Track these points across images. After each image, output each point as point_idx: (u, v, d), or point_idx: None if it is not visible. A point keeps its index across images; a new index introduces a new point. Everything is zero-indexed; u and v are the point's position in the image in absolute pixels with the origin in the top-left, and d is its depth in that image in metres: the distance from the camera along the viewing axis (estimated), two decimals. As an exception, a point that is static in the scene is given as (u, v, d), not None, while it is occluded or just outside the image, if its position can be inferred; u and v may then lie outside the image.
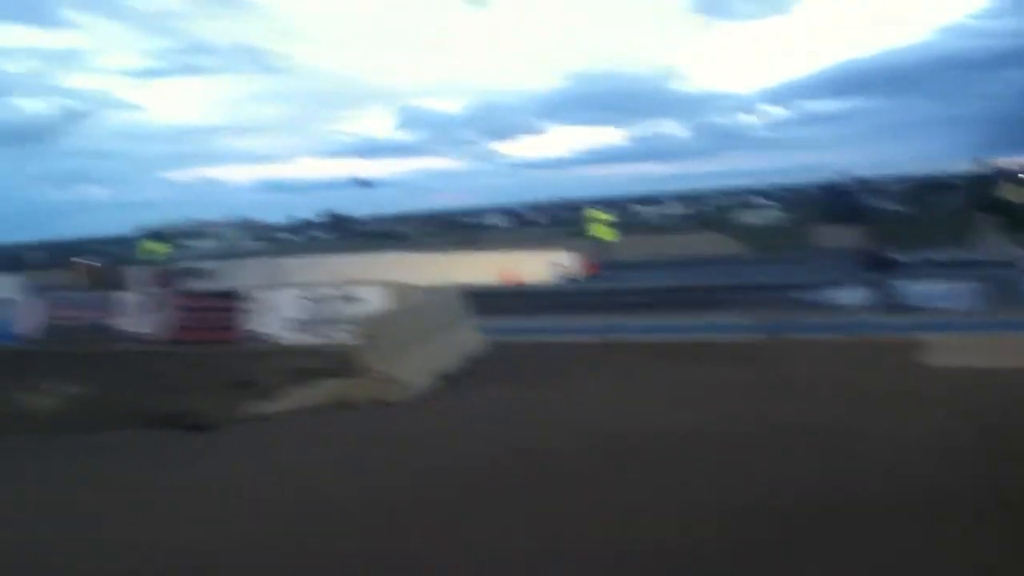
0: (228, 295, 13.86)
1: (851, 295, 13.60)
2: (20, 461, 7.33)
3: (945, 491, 4.89)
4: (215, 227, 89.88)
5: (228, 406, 8.50)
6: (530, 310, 15.48)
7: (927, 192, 45.93)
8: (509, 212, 79.64)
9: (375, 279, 14.19)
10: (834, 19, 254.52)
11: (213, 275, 25.08)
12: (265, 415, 8.24)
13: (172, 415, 8.16)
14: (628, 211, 53.63)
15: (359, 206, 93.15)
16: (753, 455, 5.87)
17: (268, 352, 11.69)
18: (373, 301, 11.75)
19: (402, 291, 12.26)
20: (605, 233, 25.64)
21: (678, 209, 62.07)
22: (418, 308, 10.92)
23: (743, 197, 66.37)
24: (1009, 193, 24.55)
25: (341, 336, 11.66)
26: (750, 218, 44.42)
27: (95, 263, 41.19)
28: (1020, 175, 28.92)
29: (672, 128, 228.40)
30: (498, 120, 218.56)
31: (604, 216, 26.30)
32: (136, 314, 13.87)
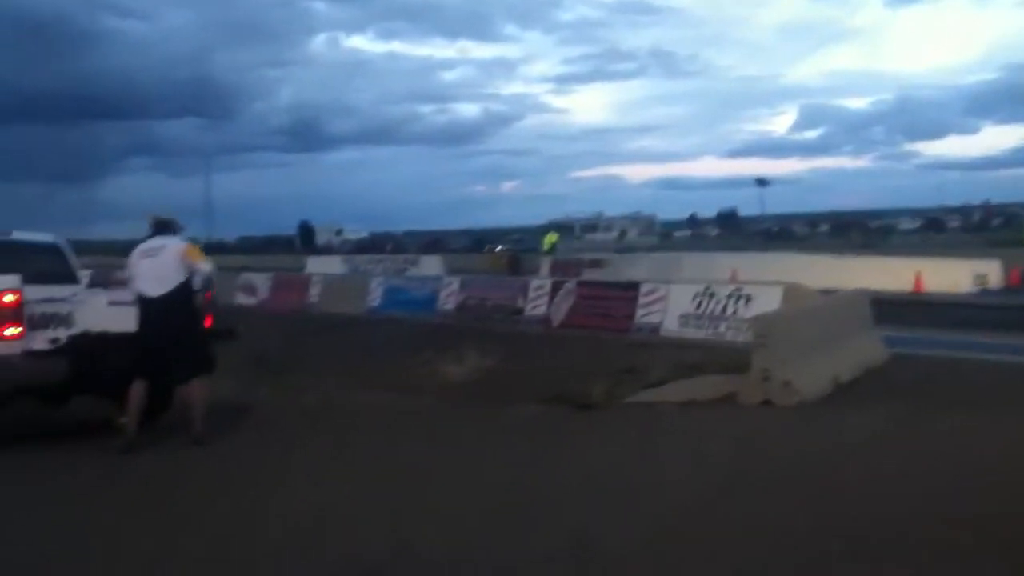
0: (627, 287, 14.37)
1: None
2: (432, 424, 8.30)
3: None
4: (615, 222, 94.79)
5: (617, 391, 8.75)
6: (942, 323, 14.03)
7: None
8: (922, 215, 72.99)
9: (771, 279, 13.73)
10: None
11: (612, 267, 26.34)
12: (652, 403, 8.31)
13: (566, 394, 8.64)
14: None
15: (756, 205, 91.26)
16: None
17: (660, 343, 11.86)
18: (769, 301, 11.30)
19: (800, 292, 11.67)
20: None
21: None
22: (816, 311, 10.26)
23: None
24: None
25: (734, 334, 11.48)
26: None
27: (508, 250, 46.05)
28: None
29: None
30: (914, 117, 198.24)
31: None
32: (541, 299, 15.00)
